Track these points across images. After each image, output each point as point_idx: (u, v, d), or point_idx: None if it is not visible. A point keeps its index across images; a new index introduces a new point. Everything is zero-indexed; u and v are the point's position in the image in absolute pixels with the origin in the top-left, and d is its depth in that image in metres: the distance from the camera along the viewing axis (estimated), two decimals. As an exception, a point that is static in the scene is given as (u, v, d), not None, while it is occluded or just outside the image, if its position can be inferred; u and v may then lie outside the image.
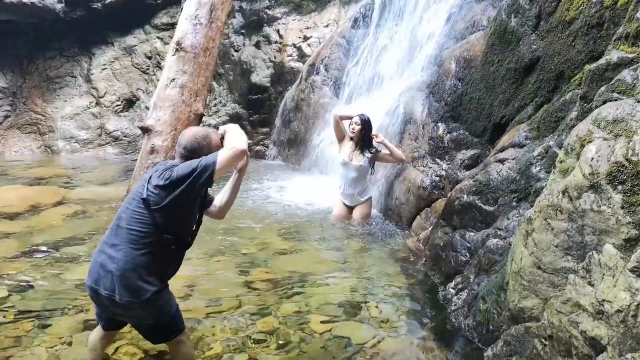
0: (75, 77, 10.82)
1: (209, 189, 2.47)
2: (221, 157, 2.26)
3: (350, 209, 5.28)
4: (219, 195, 2.69)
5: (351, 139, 5.25)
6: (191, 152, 2.37)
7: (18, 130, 10.43)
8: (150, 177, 2.33)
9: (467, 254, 3.45)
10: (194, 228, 2.47)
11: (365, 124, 5.14)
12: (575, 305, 2.10)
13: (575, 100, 3.03)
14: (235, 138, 2.35)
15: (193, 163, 2.26)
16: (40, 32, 10.47)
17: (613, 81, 2.43)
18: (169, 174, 2.26)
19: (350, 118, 5.33)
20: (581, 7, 3.27)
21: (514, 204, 3.21)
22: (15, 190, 6.45)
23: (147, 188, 2.28)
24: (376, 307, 3.35)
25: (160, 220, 2.25)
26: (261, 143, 9.83)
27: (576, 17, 3.30)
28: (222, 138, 2.43)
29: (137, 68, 10.81)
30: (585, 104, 2.77)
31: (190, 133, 2.45)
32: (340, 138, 5.43)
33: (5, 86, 10.47)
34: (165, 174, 2.27)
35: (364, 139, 5.14)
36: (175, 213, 2.29)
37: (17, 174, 8.12)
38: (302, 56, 9.39)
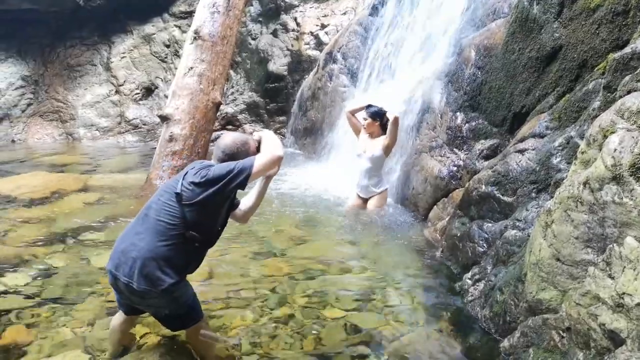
0: (95, 65, 10.96)
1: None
2: (258, 161, 2.33)
3: (365, 200, 5.28)
4: (245, 199, 2.75)
5: (367, 132, 5.27)
6: (229, 156, 2.43)
7: (40, 117, 10.64)
8: (186, 173, 2.39)
9: (484, 244, 3.43)
10: (219, 228, 2.52)
11: (375, 116, 5.14)
12: (595, 297, 2.09)
13: (598, 89, 2.97)
14: (273, 144, 2.44)
15: (230, 164, 2.33)
16: (61, 20, 10.62)
17: (638, 70, 2.38)
18: (205, 172, 2.32)
19: (362, 109, 5.33)
20: (606, -6, 3.19)
21: (533, 195, 3.18)
22: (39, 177, 6.60)
23: (182, 183, 2.33)
24: (392, 296, 3.36)
25: (189, 216, 2.30)
26: (278, 132, 9.85)
27: (601, 5, 3.22)
28: (259, 145, 2.50)
29: (156, 56, 10.90)
30: (608, 94, 2.72)
31: (230, 138, 2.51)
32: (356, 131, 5.44)
33: (28, 74, 10.66)
34: (202, 172, 2.33)
35: (381, 128, 5.16)
36: (205, 211, 2.34)
37: (40, 161, 8.31)
38: (319, 44, 9.34)
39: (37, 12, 10.26)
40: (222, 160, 2.43)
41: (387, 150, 5.11)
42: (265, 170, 2.42)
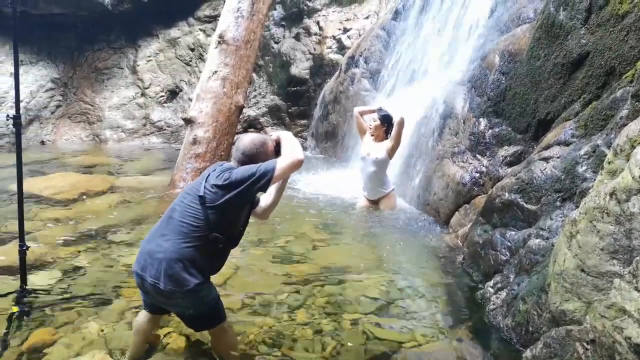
0: (122, 68, 11.21)
1: None
2: (280, 164, 2.35)
3: (374, 202, 5.33)
4: (264, 196, 2.78)
5: (371, 134, 5.36)
6: (249, 158, 2.46)
7: (69, 119, 10.93)
8: (208, 176, 2.43)
9: (507, 253, 3.40)
10: (241, 229, 2.57)
11: (385, 120, 5.23)
12: (620, 310, 2.05)
13: (626, 98, 2.92)
14: (294, 148, 2.45)
15: (252, 167, 2.36)
16: (90, 24, 10.90)
17: (668, 80, 2.34)
18: (227, 175, 2.36)
19: (371, 112, 5.47)
20: (636, 0, 3.13)
21: (558, 203, 3.13)
22: (67, 177, 6.78)
23: (205, 186, 2.38)
24: (412, 302, 3.35)
25: (213, 218, 2.34)
26: (299, 135, 9.92)
27: (630, 11, 3.16)
28: (277, 145, 2.53)
29: (181, 60, 11.10)
30: (636, 103, 2.67)
31: (249, 139, 2.53)
32: (362, 132, 5.55)
33: (58, 77, 10.96)
34: (224, 175, 2.37)
35: (385, 133, 5.28)
36: (228, 213, 2.39)
37: (68, 162, 8.53)
38: (341, 48, 9.38)
39: (67, 16, 10.55)
40: (242, 162, 2.46)
41: (391, 152, 5.19)
42: (287, 174, 2.46)
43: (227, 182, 2.33)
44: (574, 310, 2.36)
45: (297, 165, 2.42)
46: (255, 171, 2.33)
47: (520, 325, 2.77)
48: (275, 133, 2.61)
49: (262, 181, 2.33)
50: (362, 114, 5.54)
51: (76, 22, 10.81)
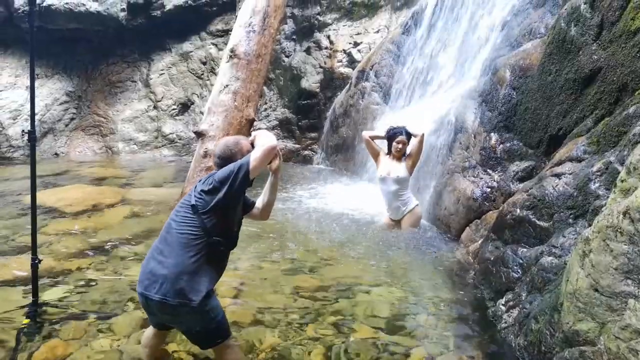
0: (135, 82, 11.36)
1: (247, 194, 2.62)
2: (253, 155, 2.45)
3: (398, 221, 5.23)
4: (260, 198, 2.86)
5: (387, 154, 5.21)
6: (225, 160, 2.55)
7: (82, 131, 11.08)
8: (196, 187, 2.54)
9: (519, 270, 3.36)
10: (236, 229, 2.62)
11: (409, 136, 5.08)
12: (635, 332, 2.02)
13: (639, 114, 2.89)
14: (264, 138, 2.54)
15: (230, 166, 2.47)
16: (104, 39, 11.09)
17: (682, 97, 2.32)
18: (211, 180, 2.47)
19: (381, 138, 5.29)
20: (648, 17, 3.12)
21: (571, 221, 3.10)
22: (80, 190, 6.85)
23: (195, 195, 2.48)
24: (423, 319, 3.32)
25: (209, 223, 2.41)
26: (309, 148, 9.95)
27: (642, 27, 3.15)
28: (252, 144, 2.60)
29: (193, 73, 11.23)
30: (650, 120, 2.65)
31: (223, 143, 2.65)
32: (375, 155, 5.34)
33: (72, 90, 11.14)
34: (209, 180, 2.49)
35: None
36: (221, 215, 2.46)
37: (81, 174, 8.62)
38: (352, 62, 9.43)
39: (82, 31, 10.75)
40: (220, 166, 2.55)
41: (412, 169, 5.10)
42: (263, 162, 2.49)
43: (211, 185, 2.43)
44: (588, 330, 2.32)
45: (270, 151, 2.48)
46: (233, 168, 2.43)
47: (533, 344, 2.73)
48: (253, 133, 2.68)
49: (241, 175, 2.40)
50: (373, 138, 5.33)
51: (91, 36, 11.00)
